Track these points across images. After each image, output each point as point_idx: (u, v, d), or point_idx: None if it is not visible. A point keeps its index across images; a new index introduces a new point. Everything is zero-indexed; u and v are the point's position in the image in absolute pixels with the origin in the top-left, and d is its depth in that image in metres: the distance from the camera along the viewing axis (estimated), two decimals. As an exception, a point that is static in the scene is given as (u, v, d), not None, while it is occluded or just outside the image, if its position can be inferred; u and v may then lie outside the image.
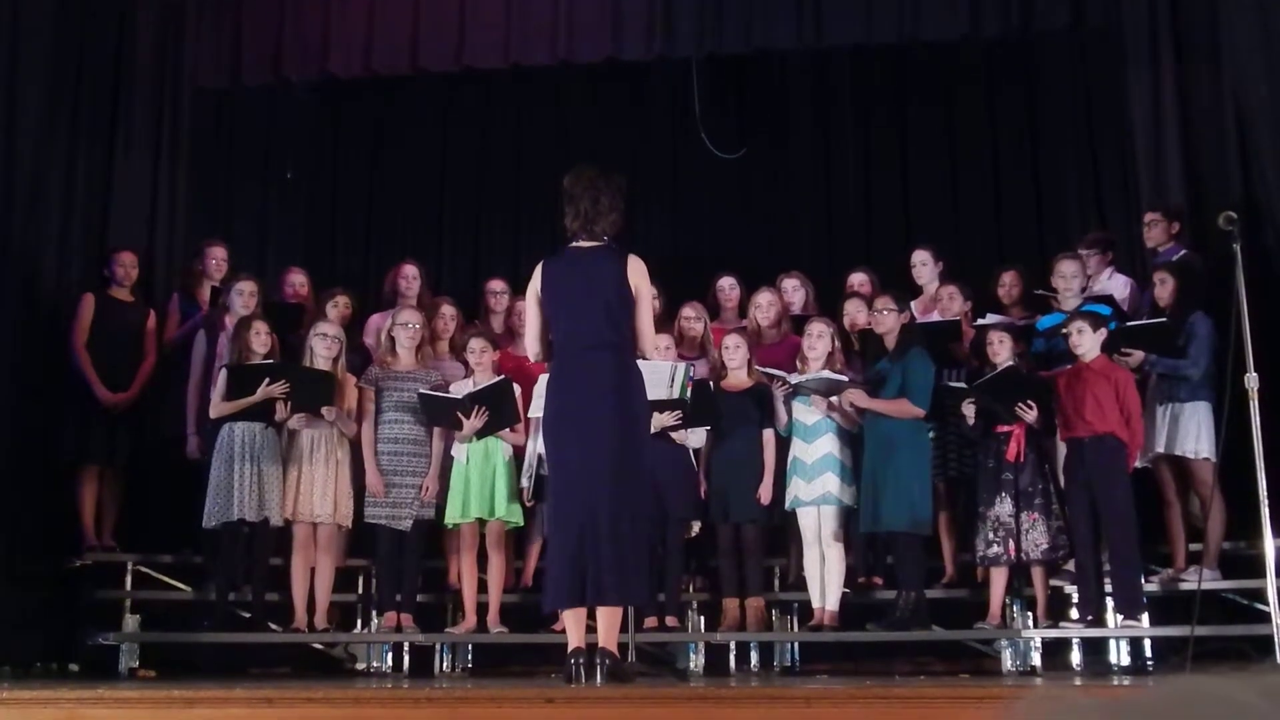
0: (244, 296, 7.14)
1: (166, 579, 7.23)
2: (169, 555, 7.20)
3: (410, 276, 7.59)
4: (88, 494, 7.07)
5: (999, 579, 6.43)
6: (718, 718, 4.01)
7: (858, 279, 7.53)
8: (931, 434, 6.71)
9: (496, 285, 7.77)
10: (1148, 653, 6.40)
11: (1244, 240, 5.41)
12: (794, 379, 6.59)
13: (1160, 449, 6.44)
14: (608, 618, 4.77)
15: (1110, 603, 6.29)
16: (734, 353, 6.82)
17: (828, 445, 6.59)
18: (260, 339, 6.75)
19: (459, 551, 6.79)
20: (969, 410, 6.45)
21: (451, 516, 6.70)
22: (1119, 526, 6.14)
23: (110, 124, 7.88)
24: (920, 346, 6.62)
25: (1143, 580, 6.26)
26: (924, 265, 7.53)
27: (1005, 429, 6.41)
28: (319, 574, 6.72)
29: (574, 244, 5.00)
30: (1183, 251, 6.86)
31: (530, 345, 5.12)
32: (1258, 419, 5.13)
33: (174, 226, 8.15)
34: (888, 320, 6.65)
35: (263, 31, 8.47)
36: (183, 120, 8.27)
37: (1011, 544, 6.29)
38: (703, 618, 6.86)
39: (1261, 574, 5.28)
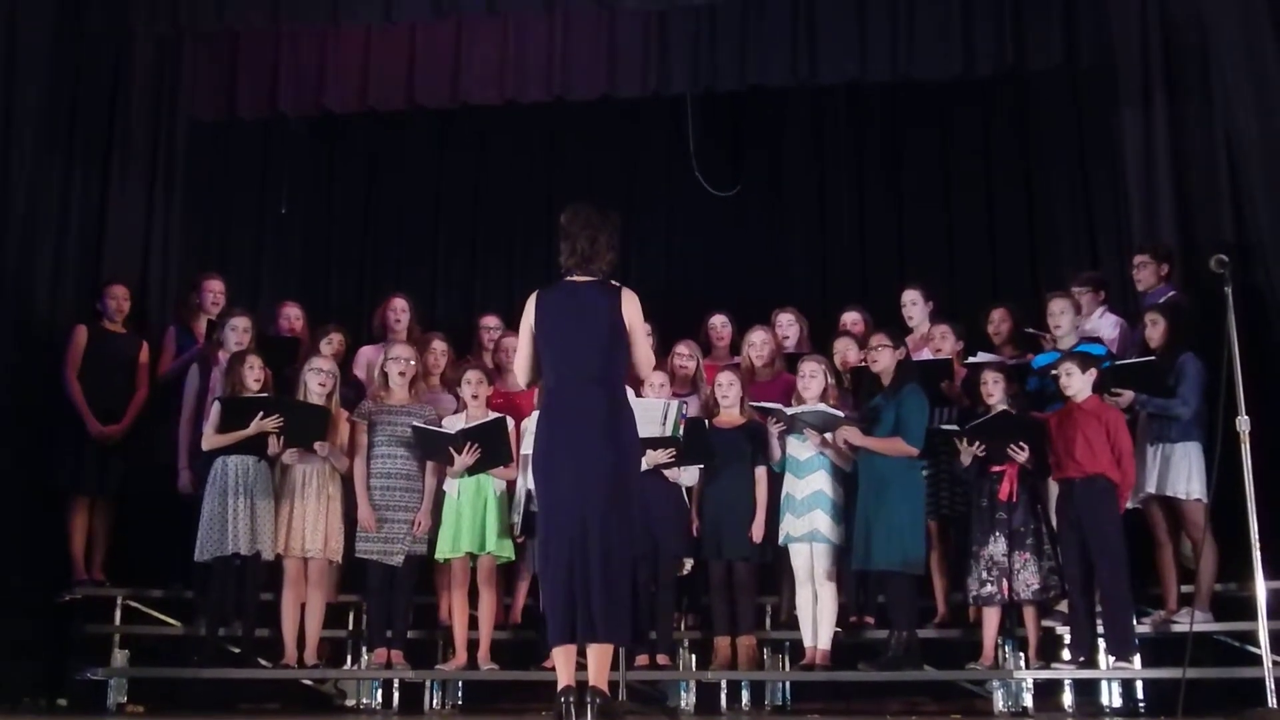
0: (238, 332, 7.11)
1: (156, 614, 7.18)
2: (159, 590, 7.16)
3: (399, 310, 7.60)
4: (78, 526, 7.05)
5: (992, 619, 6.40)
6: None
7: (850, 318, 7.54)
8: (925, 472, 6.69)
9: (490, 321, 7.76)
10: (1140, 694, 6.38)
11: (1235, 281, 5.43)
12: (790, 411, 6.59)
13: (1151, 489, 6.43)
14: (598, 655, 4.73)
15: (1102, 644, 6.28)
16: (727, 390, 6.82)
17: (819, 481, 6.58)
18: (254, 373, 6.74)
19: (450, 587, 6.75)
20: (966, 454, 6.45)
21: (442, 551, 6.68)
22: (1110, 567, 6.12)
23: (105, 155, 7.90)
24: (915, 383, 6.61)
25: (1135, 621, 6.24)
26: (914, 305, 7.53)
27: (998, 469, 6.40)
28: (309, 609, 6.68)
29: (569, 277, 5.01)
30: (1171, 292, 6.87)
31: (520, 373, 5.12)
32: (1249, 461, 5.14)
33: (168, 258, 8.14)
34: (883, 358, 6.64)
35: (259, 66, 8.51)
36: (178, 152, 8.27)
37: (1005, 584, 6.27)
38: (694, 656, 6.83)
39: (1253, 616, 5.28)
